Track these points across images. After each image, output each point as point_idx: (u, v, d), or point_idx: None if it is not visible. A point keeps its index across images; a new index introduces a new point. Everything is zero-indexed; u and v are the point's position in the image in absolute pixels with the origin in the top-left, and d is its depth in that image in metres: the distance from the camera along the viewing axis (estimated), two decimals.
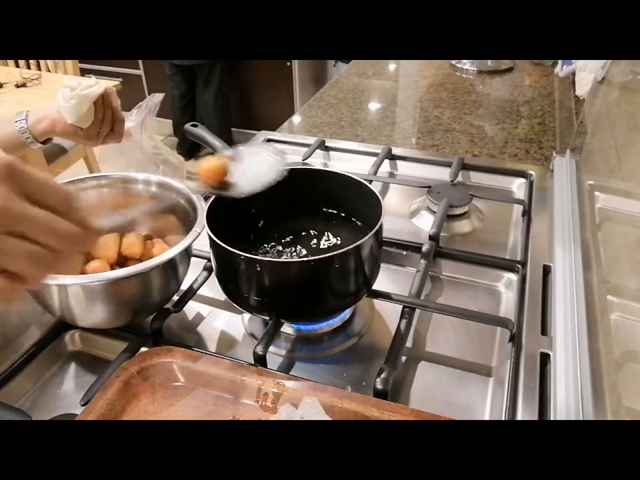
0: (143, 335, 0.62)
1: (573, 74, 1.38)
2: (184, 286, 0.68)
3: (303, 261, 0.54)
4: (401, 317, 0.62)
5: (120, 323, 0.61)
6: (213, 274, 0.63)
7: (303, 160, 1.00)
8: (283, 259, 0.54)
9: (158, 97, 0.88)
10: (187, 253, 0.65)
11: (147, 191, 0.70)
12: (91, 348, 0.64)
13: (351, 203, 0.69)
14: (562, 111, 1.30)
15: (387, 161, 1.03)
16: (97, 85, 0.75)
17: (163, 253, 0.58)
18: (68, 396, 0.58)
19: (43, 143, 0.79)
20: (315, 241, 0.69)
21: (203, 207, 0.62)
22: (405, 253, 0.77)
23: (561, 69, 1.46)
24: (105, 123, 0.77)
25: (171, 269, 0.61)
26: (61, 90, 0.74)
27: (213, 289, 0.70)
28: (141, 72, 3.28)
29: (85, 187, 0.70)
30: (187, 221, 0.65)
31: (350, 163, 1.06)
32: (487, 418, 0.55)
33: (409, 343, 0.63)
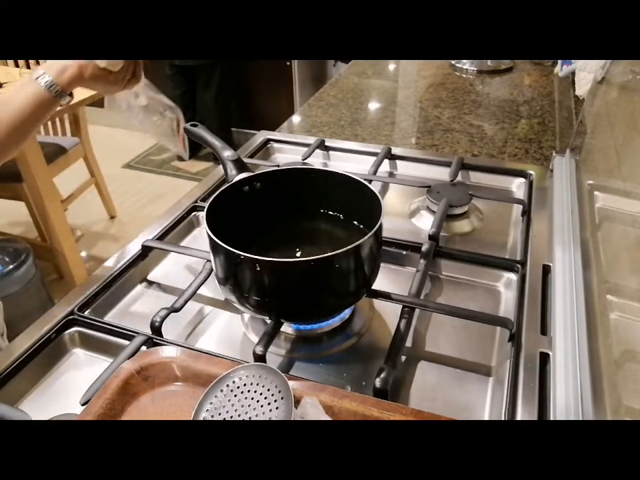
0: (142, 334, 0.62)
1: (573, 74, 1.38)
2: (184, 286, 0.67)
3: (302, 260, 0.53)
4: (401, 317, 0.62)
5: None
6: (213, 274, 0.63)
7: (303, 160, 1.00)
8: (282, 259, 0.54)
9: None
10: None
11: None
12: (91, 348, 0.64)
13: (350, 202, 0.69)
14: (562, 111, 1.30)
15: (386, 161, 1.03)
16: None
17: None
18: (68, 396, 0.58)
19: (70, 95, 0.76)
20: (314, 240, 0.69)
21: None
22: (404, 252, 0.77)
23: (561, 68, 1.46)
24: (129, 66, 0.77)
25: None
26: None
27: (212, 289, 0.70)
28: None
29: None
30: None
31: (350, 162, 1.06)
32: (486, 418, 0.55)
33: (408, 343, 0.63)
